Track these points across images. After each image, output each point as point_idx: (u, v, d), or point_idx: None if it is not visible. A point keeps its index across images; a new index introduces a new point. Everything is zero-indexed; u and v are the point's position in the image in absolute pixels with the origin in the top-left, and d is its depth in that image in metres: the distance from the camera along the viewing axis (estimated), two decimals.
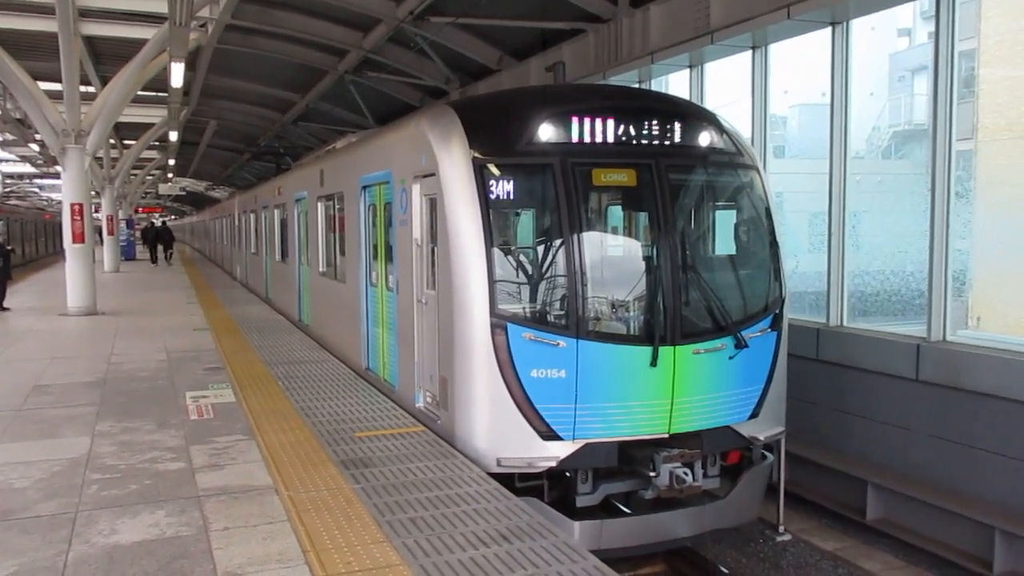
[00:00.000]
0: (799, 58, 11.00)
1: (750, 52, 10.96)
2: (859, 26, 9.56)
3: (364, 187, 9.86)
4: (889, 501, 8.59)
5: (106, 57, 19.43)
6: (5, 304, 17.84)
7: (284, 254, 16.99)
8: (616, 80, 13.21)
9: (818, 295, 10.16)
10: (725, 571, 7.44)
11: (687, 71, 12.36)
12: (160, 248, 38.43)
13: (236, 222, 26.92)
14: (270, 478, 5.98)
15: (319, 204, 12.93)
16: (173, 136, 26.90)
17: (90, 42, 17.95)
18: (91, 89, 19.50)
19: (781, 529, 8.27)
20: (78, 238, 16.34)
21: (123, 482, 5.95)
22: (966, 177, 8.69)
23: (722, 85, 12.14)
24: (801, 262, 10.87)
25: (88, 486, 5.88)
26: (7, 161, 47.67)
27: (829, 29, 9.62)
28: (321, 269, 12.98)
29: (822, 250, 9.94)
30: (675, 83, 13.22)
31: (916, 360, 8.44)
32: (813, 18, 9.58)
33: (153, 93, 22.65)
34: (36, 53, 17.54)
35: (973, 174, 8.96)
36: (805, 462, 9.39)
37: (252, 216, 22.36)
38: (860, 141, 10.70)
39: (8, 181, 54.20)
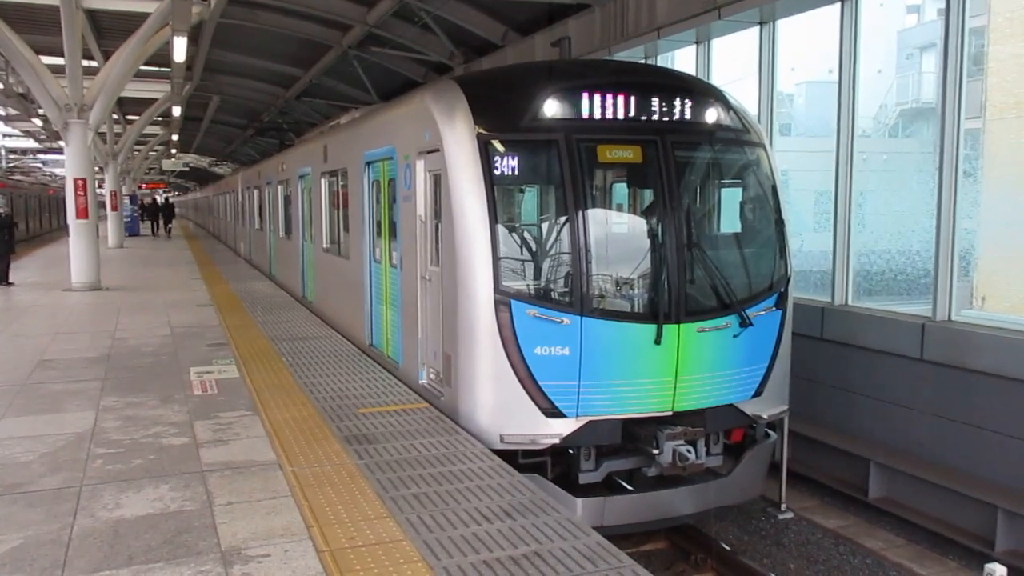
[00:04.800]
0: (806, 35, 10.89)
1: (757, 28, 10.85)
2: (868, 2, 9.45)
3: (368, 163, 9.81)
4: (892, 480, 8.60)
5: (108, 31, 19.28)
6: (10, 279, 17.88)
7: (288, 230, 16.97)
8: (622, 56, 13.10)
9: (823, 274, 10.13)
10: (727, 548, 7.47)
11: (693, 47, 12.26)
12: (162, 222, 41.97)
13: (239, 198, 26.88)
14: (274, 453, 6.00)
15: (323, 180, 12.88)
16: (176, 111, 26.76)
17: (92, 16, 17.80)
18: (94, 63, 19.37)
19: (783, 507, 8.29)
20: (82, 213, 16.31)
21: (127, 457, 5.97)
22: (974, 156, 8.63)
23: (729, 62, 12.04)
24: (806, 241, 10.83)
25: (93, 460, 5.90)
26: (10, 136, 47.63)
27: (838, 5, 9.51)
28: (325, 245, 12.96)
29: (827, 229, 9.89)
30: (681, 59, 13.11)
31: (921, 339, 8.43)
32: None
33: (156, 68, 22.49)
34: (38, 27, 17.40)
35: (981, 153, 8.89)
36: (808, 440, 9.40)
37: (256, 192, 22.31)
38: (867, 119, 10.61)
39: (11, 156, 54.17)
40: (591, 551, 4.39)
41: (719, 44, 12.02)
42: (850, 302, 9.60)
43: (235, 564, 4.23)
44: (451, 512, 4.91)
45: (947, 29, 8.18)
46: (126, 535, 4.60)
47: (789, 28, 10.72)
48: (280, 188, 17.75)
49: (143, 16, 15.90)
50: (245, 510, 4.95)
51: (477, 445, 6.23)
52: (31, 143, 47.37)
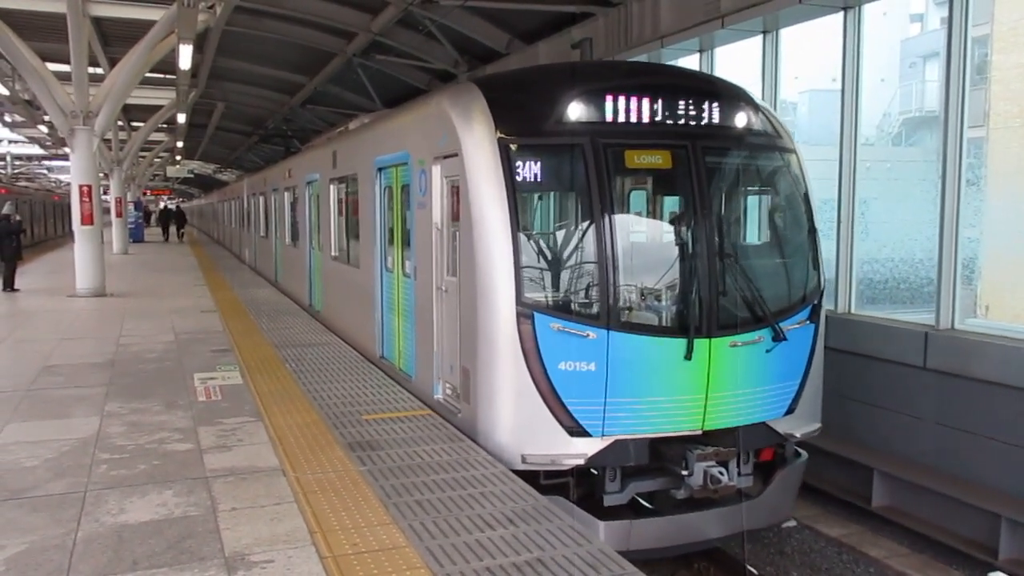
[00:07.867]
0: (810, 44, 10.92)
1: (760, 37, 10.89)
2: (871, 11, 9.48)
3: (379, 169, 9.58)
4: (895, 489, 8.59)
5: (114, 38, 19.40)
6: (15, 285, 17.92)
7: (294, 237, 16.89)
8: None
9: (826, 282, 10.11)
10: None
11: (697, 56, 12.29)
12: (173, 227, 43.95)
13: (245, 205, 26.89)
14: (277, 459, 6.01)
15: (331, 186, 12.69)
16: (181, 118, 26.87)
17: (98, 23, 17.91)
18: (99, 71, 19.47)
19: None
20: (87, 220, 16.39)
21: (132, 462, 5.99)
22: (977, 164, 8.64)
23: (732, 70, 12.07)
24: None
25: (97, 466, 5.92)
26: (16, 143, 47.85)
27: (841, 14, 9.55)
28: (333, 253, 12.78)
29: (831, 237, 9.89)
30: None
31: (924, 348, 8.42)
32: (825, 2, 9.50)
33: (161, 75, 22.60)
34: (45, 34, 17.53)
35: (984, 161, 8.91)
36: (812, 449, 9.36)
37: (261, 199, 22.31)
38: (870, 128, 10.66)
39: (17, 163, 54.38)
40: (594, 558, 4.39)
41: (722, 52, 12.05)
42: (853, 310, 9.61)
43: (239, 570, 4.24)
44: (454, 519, 4.92)
45: (950, 38, 8.20)
46: (130, 540, 4.61)
47: (792, 37, 10.75)
48: (287, 195, 17.69)
49: (149, 24, 16.00)
50: (249, 516, 4.96)
51: (480, 452, 6.21)
52: (37, 149, 47.58)
